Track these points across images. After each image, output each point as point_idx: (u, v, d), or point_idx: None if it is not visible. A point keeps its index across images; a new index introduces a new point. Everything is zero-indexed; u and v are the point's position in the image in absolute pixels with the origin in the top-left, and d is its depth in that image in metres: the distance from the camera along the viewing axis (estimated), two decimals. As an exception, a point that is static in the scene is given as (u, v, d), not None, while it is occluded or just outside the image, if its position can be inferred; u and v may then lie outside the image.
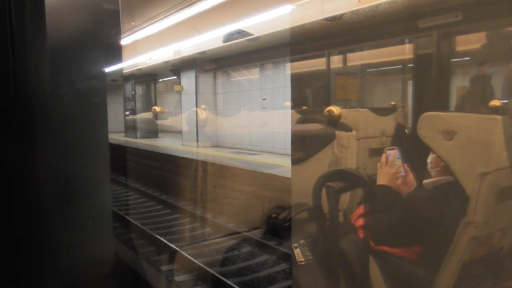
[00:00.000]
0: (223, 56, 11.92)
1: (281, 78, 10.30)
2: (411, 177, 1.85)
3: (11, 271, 1.02)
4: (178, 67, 13.40)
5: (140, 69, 15.71)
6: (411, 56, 2.28)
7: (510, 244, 1.49)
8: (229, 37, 9.68)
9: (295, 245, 1.98)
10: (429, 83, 2.26)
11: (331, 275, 2.00)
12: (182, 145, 13.16)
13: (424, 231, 1.63)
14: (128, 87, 17.90)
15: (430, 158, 1.68)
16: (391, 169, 1.83)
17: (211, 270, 5.17)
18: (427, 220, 1.62)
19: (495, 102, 1.56)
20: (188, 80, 12.89)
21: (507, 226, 1.49)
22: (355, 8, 2.14)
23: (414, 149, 1.97)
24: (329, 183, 1.92)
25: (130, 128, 18.10)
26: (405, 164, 1.85)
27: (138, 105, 18.00)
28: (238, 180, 8.11)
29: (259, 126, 11.17)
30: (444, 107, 2.26)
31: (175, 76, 14.43)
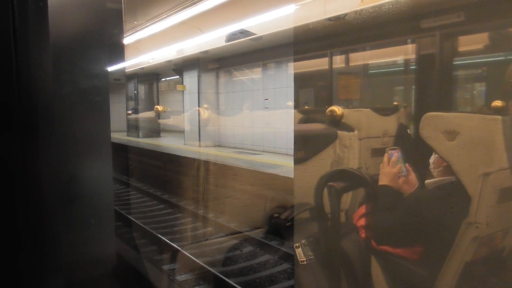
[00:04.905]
0: (225, 55, 11.92)
1: (283, 78, 10.30)
2: (413, 177, 1.85)
3: (13, 269, 1.02)
4: (181, 67, 13.40)
5: (142, 68, 15.73)
6: (413, 56, 2.28)
7: (512, 245, 1.49)
8: (232, 36, 9.68)
9: (297, 245, 1.98)
10: (432, 83, 2.25)
11: (333, 275, 2.00)
12: (184, 144, 13.17)
13: (426, 232, 1.63)
14: (131, 86, 17.92)
15: (432, 158, 1.68)
16: (393, 169, 1.82)
17: (212, 270, 5.18)
18: (429, 221, 1.62)
19: (497, 103, 1.56)
20: (190, 79, 12.89)
21: (510, 226, 1.49)
22: (358, 8, 2.14)
23: (416, 149, 1.97)
24: (331, 183, 1.92)
25: (132, 127, 18.12)
26: (407, 164, 1.84)
27: (141, 104, 18.02)
28: (240, 180, 8.11)
29: (261, 126, 11.16)
30: (447, 108, 2.26)
31: (178, 75, 14.44)
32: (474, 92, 2.80)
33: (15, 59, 1.00)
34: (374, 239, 1.83)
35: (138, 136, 17.24)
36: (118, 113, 18.52)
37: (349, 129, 2.11)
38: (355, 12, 2.16)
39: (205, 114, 12.62)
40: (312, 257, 1.95)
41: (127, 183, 11.27)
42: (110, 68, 1.37)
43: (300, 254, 1.96)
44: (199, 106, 12.61)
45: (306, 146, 2.22)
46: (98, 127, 1.26)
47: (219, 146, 12.71)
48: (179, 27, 10.15)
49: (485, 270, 1.52)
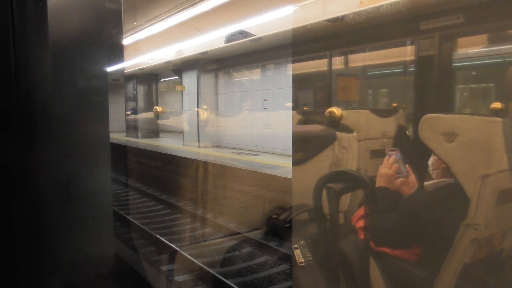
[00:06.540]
0: (225, 56, 11.93)
1: (282, 78, 10.31)
2: (412, 178, 1.85)
3: (11, 269, 1.02)
4: (180, 67, 13.41)
5: (141, 69, 15.73)
6: (412, 57, 2.28)
7: (510, 247, 1.49)
8: (231, 37, 9.68)
9: (296, 246, 1.98)
10: (431, 85, 2.26)
11: (331, 277, 2.00)
12: (183, 145, 13.16)
13: (424, 233, 1.63)
14: (130, 86, 17.91)
15: (431, 160, 1.68)
16: (391, 170, 1.82)
17: (211, 271, 5.17)
18: (428, 222, 1.62)
19: (496, 104, 1.56)
20: (189, 80, 12.89)
21: (508, 228, 1.49)
22: (357, 10, 2.14)
23: (415, 151, 1.97)
24: (329, 184, 1.92)
25: (131, 127, 18.11)
26: (406, 166, 1.84)
27: (140, 104, 18.01)
28: (239, 181, 8.11)
29: (260, 127, 11.17)
30: (446, 109, 2.26)
31: (177, 76, 14.44)
32: (473, 93, 2.80)
33: (14, 59, 0.99)
34: (372, 240, 1.83)
35: (137, 137, 17.24)
36: (117, 113, 18.50)
37: (348, 130, 2.11)
38: (354, 13, 2.16)
39: (204, 114, 12.62)
40: (311, 259, 1.95)
41: (126, 183, 11.26)
42: (109, 69, 1.37)
43: (298, 255, 1.96)
44: (198, 106, 12.61)
45: (304, 147, 2.22)
46: (97, 127, 1.26)
47: (218, 146, 12.71)
48: (178, 28, 10.16)
49: (483, 272, 1.52)
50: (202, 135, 12.67)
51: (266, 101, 10.87)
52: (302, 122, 2.41)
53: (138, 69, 15.88)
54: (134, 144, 14.25)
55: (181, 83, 13.43)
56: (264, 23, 8.40)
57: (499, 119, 1.38)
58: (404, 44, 2.41)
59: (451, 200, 1.54)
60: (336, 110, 2.08)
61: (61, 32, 1.12)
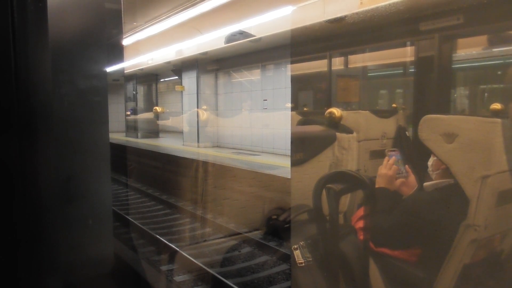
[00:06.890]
0: (224, 56, 11.93)
1: (282, 79, 10.30)
2: (412, 179, 1.85)
3: (11, 270, 1.02)
4: (180, 67, 13.40)
5: (141, 69, 15.73)
6: (412, 58, 2.28)
7: (510, 247, 1.49)
8: (231, 38, 9.68)
9: (295, 246, 1.98)
10: (430, 85, 2.26)
11: (330, 277, 2.00)
12: (183, 145, 13.16)
13: (424, 234, 1.63)
14: (130, 87, 17.90)
15: (431, 161, 1.68)
16: (391, 171, 1.82)
17: (211, 271, 5.17)
18: (428, 223, 1.62)
19: (496, 105, 1.56)
20: (189, 80, 12.89)
21: (508, 229, 1.49)
22: (356, 10, 2.14)
23: (415, 152, 1.97)
24: (329, 185, 1.92)
25: (131, 128, 18.11)
26: (406, 166, 1.84)
27: (139, 105, 18.01)
28: (239, 181, 8.11)
29: (260, 127, 11.17)
30: (445, 110, 2.26)
31: (177, 76, 14.44)
32: (473, 94, 2.81)
33: (14, 59, 1.00)
34: (372, 241, 1.83)
35: (137, 137, 17.24)
36: (117, 113, 18.50)
37: (348, 131, 2.11)
38: (354, 14, 2.16)
39: (204, 115, 12.62)
40: (310, 259, 1.95)
41: (125, 183, 11.26)
42: (109, 69, 1.37)
43: (298, 256, 1.95)
44: (198, 107, 12.60)
45: (304, 148, 2.22)
46: (96, 127, 1.26)
47: (217, 147, 12.70)
48: (178, 28, 10.16)
49: (483, 272, 1.52)
50: (202, 135, 12.66)
51: (265, 101, 10.87)
52: (301, 123, 2.41)
53: (138, 69, 15.88)
54: (133, 144, 14.24)
55: (181, 83, 13.43)
56: (264, 23, 8.40)
57: (498, 120, 1.38)
58: (404, 45, 2.42)
59: (451, 201, 1.55)
60: (336, 111, 2.08)
61: (61, 32, 1.12)
